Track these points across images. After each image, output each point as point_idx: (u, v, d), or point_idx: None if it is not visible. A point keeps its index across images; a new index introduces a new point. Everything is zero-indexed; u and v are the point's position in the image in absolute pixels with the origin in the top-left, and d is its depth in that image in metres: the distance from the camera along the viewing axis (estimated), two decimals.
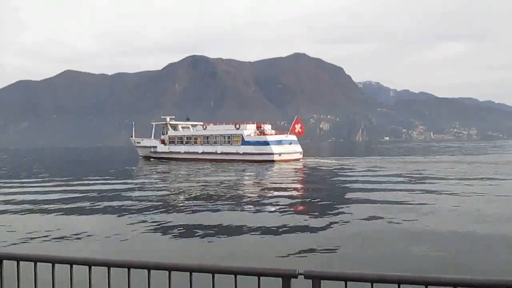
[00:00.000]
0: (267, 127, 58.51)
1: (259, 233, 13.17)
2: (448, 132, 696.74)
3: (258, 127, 58.16)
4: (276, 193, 23.42)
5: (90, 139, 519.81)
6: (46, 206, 19.44)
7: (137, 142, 74.08)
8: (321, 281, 2.11)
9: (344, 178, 31.43)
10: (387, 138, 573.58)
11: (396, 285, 1.96)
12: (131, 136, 76.10)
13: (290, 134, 57.91)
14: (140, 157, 71.90)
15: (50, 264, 3.05)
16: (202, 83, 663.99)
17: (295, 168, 43.54)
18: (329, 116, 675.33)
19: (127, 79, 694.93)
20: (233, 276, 2.56)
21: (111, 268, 2.99)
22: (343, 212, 16.51)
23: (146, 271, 2.96)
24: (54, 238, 12.92)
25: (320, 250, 11.02)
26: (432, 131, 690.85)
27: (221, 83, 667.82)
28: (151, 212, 17.31)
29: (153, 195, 23.13)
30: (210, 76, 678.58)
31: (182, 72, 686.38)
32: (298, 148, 57.41)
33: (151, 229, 14.11)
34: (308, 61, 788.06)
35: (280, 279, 2.27)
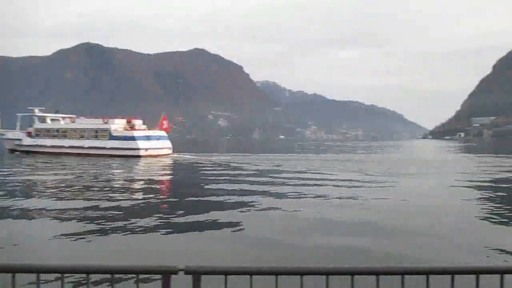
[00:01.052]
0: (137, 123, 59.78)
1: (140, 230, 12.79)
2: (337, 132, 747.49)
3: (129, 122, 59.29)
4: (143, 187, 22.89)
5: None
6: None
7: (1, 134, 69.72)
8: (202, 276, 2.09)
9: (207, 173, 31.90)
10: (282, 136, 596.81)
11: (274, 277, 2.00)
12: None
13: (158, 130, 59.13)
14: (7, 150, 67.21)
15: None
16: (96, 73, 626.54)
17: (163, 164, 43.95)
18: (227, 113, 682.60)
19: (9, 63, 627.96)
20: (109, 275, 2.37)
21: None
22: (209, 207, 16.27)
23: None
24: None
25: (200, 246, 10.83)
26: (324, 130, 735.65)
27: (117, 74, 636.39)
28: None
29: None
30: (105, 66, 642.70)
31: (75, 59, 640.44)
32: (167, 143, 59.03)
33: None
34: (208, 58, 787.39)
35: (160, 276, 2.19)
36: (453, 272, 1.98)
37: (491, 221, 13.58)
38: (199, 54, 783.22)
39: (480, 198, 19.43)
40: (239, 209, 16.42)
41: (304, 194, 19.98)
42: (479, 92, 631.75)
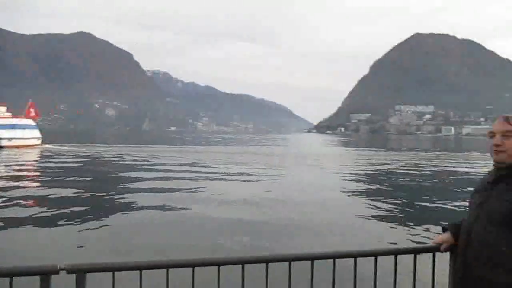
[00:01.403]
0: (1, 110, 52.95)
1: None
2: (229, 125, 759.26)
3: None
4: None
5: None
6: None
7: None
8: (88, 274, 1.93)
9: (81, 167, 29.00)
10: (174, 128, 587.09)
11: (165, 270, 1.94)
12: None
13: (24, 118, 53.86)
14: None
15: None
16: None
17: (28, 157, 38.29)
18: (115, 103, 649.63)
19: None
20: None
21: None
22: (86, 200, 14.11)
23: None
24: None
25: (86, 243, 9.71)
26: (215, 123, 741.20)
27: None
28: None
29: None
30: None
31: None
32: (36, 133, 54.16)
33: None
34: (95, 42, 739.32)
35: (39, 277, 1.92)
36: (313, 258, 2.04)
37: (365, 215, 13.44)
38: (84, 38, 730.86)
39: (356, 191, 19.72)
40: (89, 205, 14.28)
41: (175, 189, 18.37)
42: (358, 91, 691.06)
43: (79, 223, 11.70)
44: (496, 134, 1.99)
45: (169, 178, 22.28)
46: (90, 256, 8.54)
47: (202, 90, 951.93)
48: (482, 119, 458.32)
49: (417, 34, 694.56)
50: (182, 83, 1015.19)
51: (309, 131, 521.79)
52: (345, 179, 23.92)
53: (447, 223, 2.17)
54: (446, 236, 2.11)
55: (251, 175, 24.57)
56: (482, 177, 2.10)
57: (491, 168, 2.11)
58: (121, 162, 33.36)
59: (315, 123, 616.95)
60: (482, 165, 33.62)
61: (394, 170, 29.62)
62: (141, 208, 13.90)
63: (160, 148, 56.92)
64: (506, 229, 1.85)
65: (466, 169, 30.56)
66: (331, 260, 2.09)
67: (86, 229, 10.98)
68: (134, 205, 14.48)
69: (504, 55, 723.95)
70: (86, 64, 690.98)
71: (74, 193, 16.82)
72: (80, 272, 1.94)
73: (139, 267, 1.94)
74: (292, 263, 2.08)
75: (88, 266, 1.93)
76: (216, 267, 1.97)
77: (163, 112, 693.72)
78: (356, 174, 27.02)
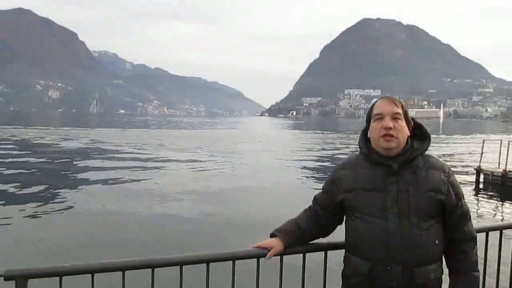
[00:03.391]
0: None
1: None
2: (180, 108, 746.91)
3: None
4: None
5: None
6: None
7: None
8: (29, 280, 1.73)
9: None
10: (123, 111, 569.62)
11: (121, 272, 1.82)
12: None
13: None
14: None
15: None
16: None
17: None
18: (59, 84, 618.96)
19: None
20: None
21: None
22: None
23: None
24: None
25: (24, 245, 8.49)
26: (166, 106, 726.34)
27: None
28: None
29: None
30: None
31: None
32: None
33: None
34: (34, 20, 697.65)
35: None
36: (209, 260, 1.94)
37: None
38: (22, 14, 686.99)
39: (306, 176, 19.53)
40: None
41: (118, 180, 17.32)
42: (309, 74, 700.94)
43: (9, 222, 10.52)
44: (385, 116, 1.83)
45: (113, 167, 21.02)
46: (29, 260, 7.46)
47: (152, 72, 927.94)
48: (425, 102, 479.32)
49: (365, 19, 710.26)
50: (131, 64, 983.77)
51: (261, 115, 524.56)
52: (296, 165, 23.72)
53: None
54: (276, 241, 1.95)
55: (200, 161, 23.80)
56: (343, 174, 1.92)
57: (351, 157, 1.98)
58: (61, 148, 31.41)
59: (267, 106, 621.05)
60: (432, 148, 34.55)
61: (345, 154, 29.83)
62: (80, 202, 12.83)
63: (107, 132, 54.55)
64: (433, 221, 1.82)
65: None
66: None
67: (22, 229, 9.85)
68: (73, 198, 13.39)
69: (445, 41, 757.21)
70: (26, 43, 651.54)
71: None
72: (20, 279, 1.74)
73: (92, 271, 1.79)
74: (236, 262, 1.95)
75: (30, 272, 1.74)
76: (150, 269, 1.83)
77: (111, 94, 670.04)
78: (307, 159, 26.93)
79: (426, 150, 1.89)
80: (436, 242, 1.81)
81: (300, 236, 1.98)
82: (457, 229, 1.88)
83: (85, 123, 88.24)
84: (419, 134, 1.91)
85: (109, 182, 16.05)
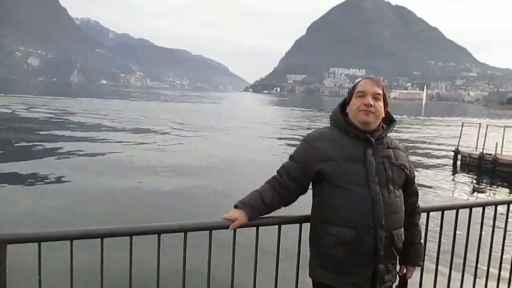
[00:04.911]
0: None
1: None
2: (164, 81, 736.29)
3: None
4: None
5: None
6: None
7: None
8: (9, 246, 1.72)
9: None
10: (105, 81, 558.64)
11: (99, 239, 1.83)
12: None
13: None
14: None
15: None
16: None
17: None
18: (39, 51, 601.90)
19: None
20: None
21: None
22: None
23: None
24: None
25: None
26: (149, 78, 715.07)
27: None
28: None
29: None
30: None
31: None
32: None
33: None
34: None
35: None
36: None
37: None
38: None
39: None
40: None
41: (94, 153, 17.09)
42: (294, 52, 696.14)
43: None
44: (367, 94, 1.95)
45: (89, 138, 20.67)
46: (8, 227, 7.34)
47: (136, 43, 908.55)
48: (409, 84, 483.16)
49: None
50: (115, 34, 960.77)
51: (245, 90, 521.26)
52: (277, 142, 23.73)
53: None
54: (239, 213, 1.96)
55: (175, 136, 23.59)
56: (320, 145, 1.96)
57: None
58: (36, 117, 30.72)
59: (252, 82, 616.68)
60: (412, 130, 35.05)
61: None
62: (55, 173, 12.60)
63: (88, 102, 53.60)
64: (400, 191, 1.99)
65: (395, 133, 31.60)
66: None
67: None
68: (46, 169, 13.17)
69: (433, 24, 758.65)
70: (5, 8, 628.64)
71: None
72: (1, 244, 1.72)
73: (75, 237, 1.79)
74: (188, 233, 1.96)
75: (9, 237, 1.73)
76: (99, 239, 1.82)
77: (93, 64, 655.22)
78: (289, 136, 26.92)
79: (391, 131, 2.05)
80: (404, 209, 2.00)
81: (264, 208, 2.01)
82: (411, 202, 2.08)
83: (66, 93, 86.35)
84: (387, 118, 2.05)
85: (85, 154, 15.82)
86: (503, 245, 2.75)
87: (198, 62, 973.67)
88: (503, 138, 15.50)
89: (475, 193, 12.78)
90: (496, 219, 2.64)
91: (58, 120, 28.84)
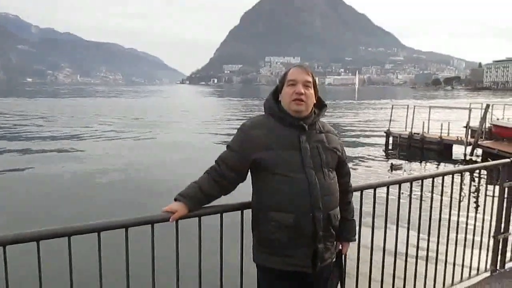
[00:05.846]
0: None
1: None
2: (95, 76, 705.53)
3: None
4: None
5: None
6: None
7: None
8: None
9: None
10: (30, 79, 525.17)
11: (67, 238, 1.77)
12: None
13: None
14: None
15: None
16: None
17: None
18: None
19: None
20: None
21: None
22: None
23: None
24: None
25: None
26: (79, 74, 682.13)
27: None
28: None
29: None
30: None
31: None
32: None
33: None
34: None
35: None
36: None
37: None
38: None
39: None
40: None
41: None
42: (229, 42, 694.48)
43: None
44: (298, 83, 1.98)
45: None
46: None
47: (62, 37, 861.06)
48: (342, 70, 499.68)
49: None
50: (38, 28, 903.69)
51: (182, 82, 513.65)
52: (215, 132, 23.58)
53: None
54: (179, 206, 1.96)
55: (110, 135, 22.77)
56: (256, 134, 1.97)
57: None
58: None
59: (188, 74, 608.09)
60: (347, 114, 36.16)
61: None
62: None
63: (12, 102, 50.11)
64: (334, 173, 2.05)
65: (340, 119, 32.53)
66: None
67: None
68: None
69: (360, 11, 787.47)
70: None
71: None
72: None
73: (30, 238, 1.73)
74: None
75: None
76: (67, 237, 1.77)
77: (16, 61, 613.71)
78: (226, 126, 26.84)
79: (323, 116, 2.10)
80: (338, 189, 2.07)
81: (204, 198, 2.03)
82: (343, 182, 2.15)
83: None
84: (318, 103, 2.10)
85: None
86: (430, 217, 2.90)
87: (131, 55, 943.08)
88: (429, 118, 16.45)
89: (405, 170, 13.41)
90: (423, 192, 2.78)
91: None
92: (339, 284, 2.20)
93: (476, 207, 6.62)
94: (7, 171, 12.26)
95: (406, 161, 14.82)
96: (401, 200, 2.71)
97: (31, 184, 10.83)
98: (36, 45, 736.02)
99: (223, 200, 2.06)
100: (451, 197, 3.15)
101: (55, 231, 1.79)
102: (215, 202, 2.04)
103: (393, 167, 13.14)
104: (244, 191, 2.10)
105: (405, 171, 13.15)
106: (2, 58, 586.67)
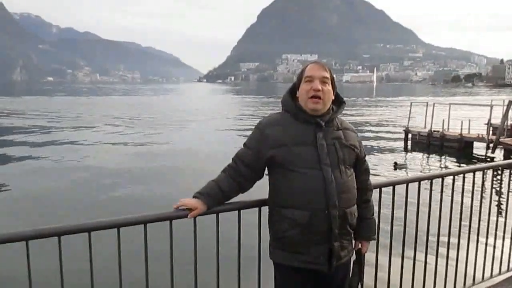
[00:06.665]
0: None
1: None
2: (114, 75, 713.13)
3: None
4: None
5: None
6: None
7: None
8: None
9: None
10: (51, 78, 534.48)
11: (56, 238, 1.76)
12: None
13: None
14: None
15: None
16: None
17: None
18: None
19: None
20: None
21: None
22: None
23: None
24: None
25: None
26: (98, 73, 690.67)
27: None
28: None
29: None
30: None
31: None
32: None
33: None
34: None
35: None
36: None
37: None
38: None
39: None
40: None
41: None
42: (246, 40, 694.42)
43: None
44: (315, 79, 1.98)
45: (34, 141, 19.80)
46: None
47: (81, 37, 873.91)
48: (359, 67, 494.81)
49: None
50: (58, 28, 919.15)
51: (199, 81, 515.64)
52: (234, 130, 23.66)
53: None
54: (198, 203, 1.98)
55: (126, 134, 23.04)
56: (272, 131, 1.98)
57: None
58: None
59: (205, 72, 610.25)
60: (365, 111, 35.87)
61: None
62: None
63: (34, 100, 51.16)
64: (352, 170, 2.03)
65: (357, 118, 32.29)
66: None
67: None
68: None
69: (378, 7, 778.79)
70: None
71: None
72: None
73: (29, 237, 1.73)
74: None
75: None
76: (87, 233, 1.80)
77: (37, 61, 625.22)
78: (245, 124, 26.87)
79: (341, 113, 2.09)
80: (355, 187, 2.05)
81: (222, 196, 2.04)
82: (362, 179, 2.13)
83: (9, 92, 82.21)
84: (336, 100, 2.08)
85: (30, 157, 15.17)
86: (450, 214, 2.89)
87: (148, 54, 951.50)
88: (449, 116, 16.20)
89: (425, 168, 13.26)
90: (443, 191, 2.74)
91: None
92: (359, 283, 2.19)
93: (499, 206, 6.53)
94: (33, 166, 12.57)
95: (425, 159, 14.66)
96: (420, 198, 2.69)
97: (53, 178, 11.07)
98: (57, 44, 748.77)
99: (241, 197, 2.07)
100: (472, 195, 3.11)
101: (76, 227, 1.82)
102: (233, 199, 2.04)
103: (396, 166, 12.97)
104: (262, 188, 2.08)
105: (409, 170, 12.92)
106: (23, 58, 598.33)
